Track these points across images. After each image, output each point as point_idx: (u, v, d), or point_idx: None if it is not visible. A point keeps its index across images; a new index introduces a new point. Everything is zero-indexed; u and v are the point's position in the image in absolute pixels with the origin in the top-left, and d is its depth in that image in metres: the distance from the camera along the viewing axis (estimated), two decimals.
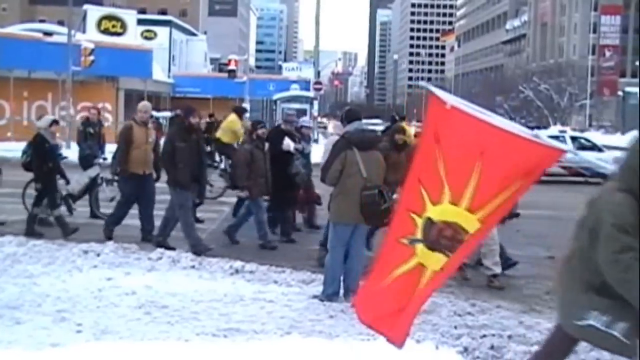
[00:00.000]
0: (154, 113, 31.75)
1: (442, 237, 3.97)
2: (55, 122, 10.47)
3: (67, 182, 10.89)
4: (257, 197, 9.82)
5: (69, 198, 11.30)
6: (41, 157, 9.96)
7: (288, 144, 10.30)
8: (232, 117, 14.98)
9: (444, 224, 3.95)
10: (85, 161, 11.99)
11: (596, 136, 37.42)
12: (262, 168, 9.74)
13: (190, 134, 9.25)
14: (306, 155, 10.85)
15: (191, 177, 9.09)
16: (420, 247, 4.07)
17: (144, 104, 10.29)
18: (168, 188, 9.25)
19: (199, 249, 8.82)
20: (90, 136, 12.45)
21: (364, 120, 8.21)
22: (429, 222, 4.01)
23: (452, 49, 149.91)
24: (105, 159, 12.06)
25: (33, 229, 9.86)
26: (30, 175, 10.45)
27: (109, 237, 9.49)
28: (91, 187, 11.49)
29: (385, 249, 4.33)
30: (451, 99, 3.99)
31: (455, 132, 3.92)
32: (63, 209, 10.77)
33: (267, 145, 9.99)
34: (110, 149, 11.94)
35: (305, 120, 12.45)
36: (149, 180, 9.94)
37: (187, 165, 9.03)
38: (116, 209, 10.12)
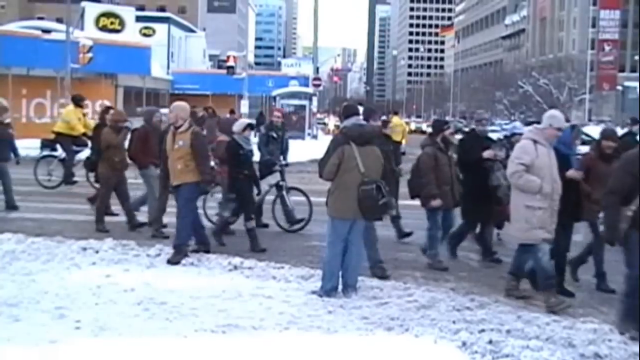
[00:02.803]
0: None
1: None
2: (249, 126, 9.64)
3: (259, 192, 10.19)
4: (446, 208, 8.72)
5: None
6: (236, 164, 9.32)
7: (490, 153, 8.92)
8: (70, 107, 15.15)
9: None
10: (265, 167, 10.87)
11: (595, 130, 37.31)
12: (447, 175, 8.58)
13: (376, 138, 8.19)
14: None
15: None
16: None
17: (173, 105, 8.84)
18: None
19: (376, 272, 7.91)
20: (273, 140, 11.62)
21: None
22: None
23: (452, 46, 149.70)
24: (287, 164, 11.54)
25: (221, 237, 9.53)
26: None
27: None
28: (278, 196, 10.71)
29: None
30: None
31: None
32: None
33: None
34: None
35: (517, 127, 10.16)
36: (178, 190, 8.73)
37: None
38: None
